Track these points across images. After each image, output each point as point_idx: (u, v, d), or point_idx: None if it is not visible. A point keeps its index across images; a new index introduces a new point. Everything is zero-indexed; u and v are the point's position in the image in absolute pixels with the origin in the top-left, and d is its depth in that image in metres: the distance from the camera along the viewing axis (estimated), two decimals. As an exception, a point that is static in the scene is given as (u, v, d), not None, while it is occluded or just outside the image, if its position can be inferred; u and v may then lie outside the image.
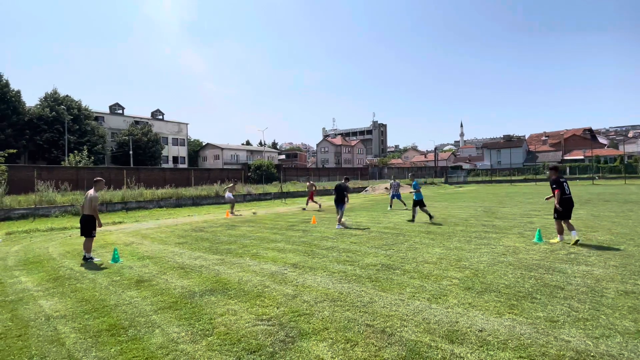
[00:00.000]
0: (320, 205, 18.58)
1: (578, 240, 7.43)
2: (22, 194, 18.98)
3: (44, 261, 7.52)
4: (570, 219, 7.65)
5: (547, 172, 8.13)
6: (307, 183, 20.27)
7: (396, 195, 17.10)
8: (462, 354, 3.15)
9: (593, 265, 5.83)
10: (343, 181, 12.19)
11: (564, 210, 7.58)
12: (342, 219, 11.29)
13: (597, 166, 54.49)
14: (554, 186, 7.74)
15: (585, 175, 49.86)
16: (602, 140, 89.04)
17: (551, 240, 7.85)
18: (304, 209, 18.22)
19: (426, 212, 11.66)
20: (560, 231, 7.80)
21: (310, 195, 19.11)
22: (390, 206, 17.10)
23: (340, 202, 11.41)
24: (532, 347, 3.24)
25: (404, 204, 17.10)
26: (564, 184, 7.77)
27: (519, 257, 6.56)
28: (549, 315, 3.92)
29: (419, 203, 11.72)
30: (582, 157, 66.53)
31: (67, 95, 49.13)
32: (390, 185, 18.22)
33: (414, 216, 11.93)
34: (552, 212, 8.03)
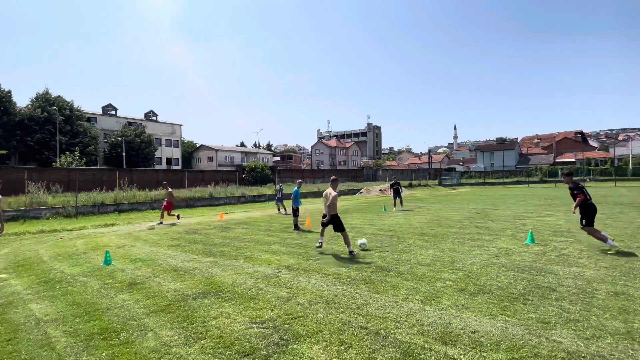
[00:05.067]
0: (178, 216, 14.80)
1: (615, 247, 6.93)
2: (12, 196, 18.70)
3: (34, 264, 7.41)
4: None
5: (564, 178, 7.60)
6: (165, 190, 15.14)
7: (279, 199, 17.54)
8: (455, 356, 3.16)
9: (584, 267, 5.91)
10: (394, 181, 18.14)
11: (589, 214, 7.12)
12: (402, 205, 17.45)
13: (588, 169, 55.25)
14: (576, 192, 7.26)
15: (576, 178, 50.33)
16: (593, 143, 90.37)
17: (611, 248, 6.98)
18: (160, 223, 13.94)
19: (295, 221, 11.53)
20: (603, 237, 7.00)
21: (165, 206, 14.44)
22: (278, 210, 17.25)
23: (397, 193, 17.42)
24: (524, 348, 3.27)
25: (285, 209, 17.24)
26: (584, 189, 7.30)
27: (512, 258, 6.62)
28: (541, 316, 3.96)
29: (295, 210, 11.64)
30: (573, 160, 67.43)
31: (59, 96, 48.55)
32: (275, 189, 18.46)
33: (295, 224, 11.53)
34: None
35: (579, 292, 4.72)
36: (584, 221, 7.19)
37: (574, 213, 7.39)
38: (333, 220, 7.55)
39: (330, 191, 7.55)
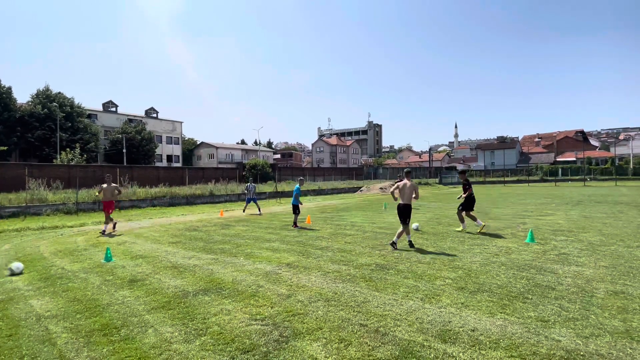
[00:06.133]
0: (115, 225, 11.25)
1: (484, 225, 9.46)
2: (13, 192, 18.73)
3: (35, 260, 7.43)
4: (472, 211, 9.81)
5: (460, 176, 10.19)
6: (107, 185, 11.09)
7: (252, 200, 16.62)
8: (454, 354, 3.18)
9: (583, 266, 5.92)
10: (399, 178, 16.56)
11: (470, 205, 9.75)
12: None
13: (589, 168, 55.18)
14: (468, 187, 9.79)
15: (577, 177, 50.49)
16: (593, 142, 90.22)
17: (457, 229, 9.88)
18: (103, 232, 10.86)
19: (295, 219, 11.49)
20: (462, 220, 9.90)
21: (105, 206, 11.04)
22: (244, 210, 16.71)
23: None
24: (523, 346, 3.28)
25: (251, 209, 16.74)
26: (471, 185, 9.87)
27: (511, 257, 6.63)
28: (540, 315, 3.97)
29: (296, 208, 11.55)
30: (574, 159, 67.35)
31: (59, 92, 48.54)
32: (247, 188, 16.97)
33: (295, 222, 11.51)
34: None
35: (578, 291, 4.73)
36: (460, 207, 9.82)
37: (459, 198, 10.16)
38: (406, 210, 7.74)
39: (406, 182, 7.85)
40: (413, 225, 9.92)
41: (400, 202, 7.84)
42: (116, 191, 11.28)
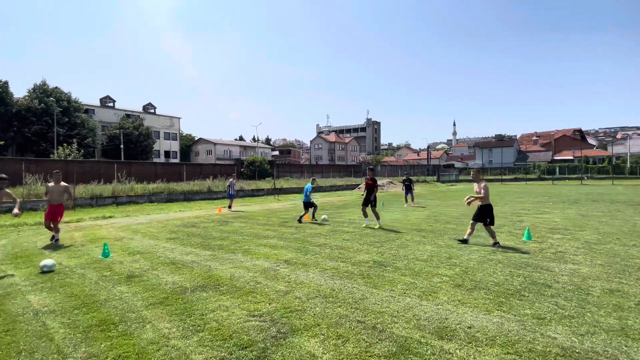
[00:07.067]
0: (56, 240, 8.57)
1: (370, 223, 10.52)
2: (10, 187, 18.61)
3: (32, 255, 7.41)
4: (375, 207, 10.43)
5: (369, 173, 10.68)
6: (54, 183, 8.72)
7: (230, 196, 16.97)
8: (451, 350, 3.20)
9: (580, 264, 5.95)
10: (405, 177, 18.11)
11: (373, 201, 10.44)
12: (414, 202, 17.85)
13: (586, 166, 55.42)
14: (374, 186, 10.43)
15: (574, 176, 50.70)
16: (591, 141, 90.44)
17: (364, 224, 10.58)
18: (56, 240, 8.61)
19: (309, 214, 11.95)
20: (366, 215, 10.70)
21: (51, 211, 8.55)
22: (230, 207, 16.79)
23: (409, 189, 17.45)
24: (519, 343, 3.30)
25: (229, 207, 16.71)
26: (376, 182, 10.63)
27: (508, 255, 6.66)
28: (536, 312, 4.00)
29: (307, 205, 11.95)
30: (571, 158, 67.59)
31: (56, 87, 48.22)
32: (230, 183, 17.14)
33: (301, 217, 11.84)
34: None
35: (574, 288, 4.76)
36: (371, 204, 10.42)
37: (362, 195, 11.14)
38: (487, 210, 7.50)
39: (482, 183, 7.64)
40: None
41: (485, 203, 7.48)
42: (66, 194, 8.81)
